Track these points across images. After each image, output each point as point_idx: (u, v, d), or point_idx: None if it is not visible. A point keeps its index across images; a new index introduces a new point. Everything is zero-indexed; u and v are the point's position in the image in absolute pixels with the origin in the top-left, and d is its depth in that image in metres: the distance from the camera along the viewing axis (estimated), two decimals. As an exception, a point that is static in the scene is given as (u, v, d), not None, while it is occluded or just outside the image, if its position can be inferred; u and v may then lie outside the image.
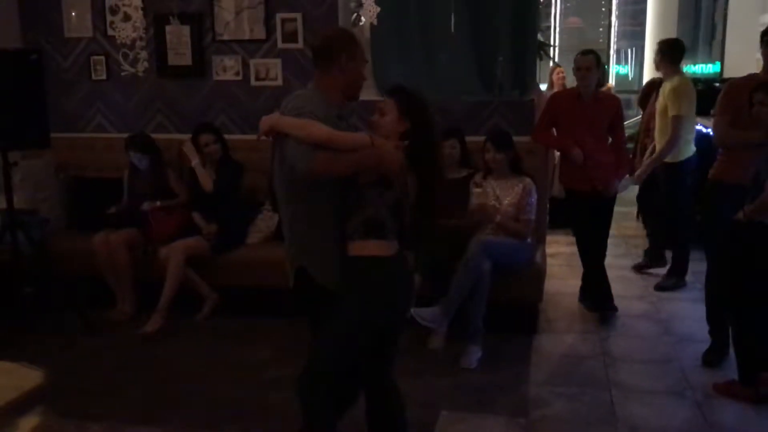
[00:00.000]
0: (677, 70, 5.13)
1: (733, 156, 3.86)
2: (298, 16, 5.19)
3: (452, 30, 5.33)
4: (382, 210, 2.51)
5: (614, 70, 13.77)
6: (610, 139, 4.69)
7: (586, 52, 4.61)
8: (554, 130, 4.73)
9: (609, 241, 4.87)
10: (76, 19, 5.51)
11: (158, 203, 4.90)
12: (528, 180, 4.35)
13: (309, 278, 2.60)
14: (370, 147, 2.48)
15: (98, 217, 4.91)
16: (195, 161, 4.85)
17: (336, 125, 2.52)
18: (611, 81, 10.02)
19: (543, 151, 4.90)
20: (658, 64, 5.21)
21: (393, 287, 2.58)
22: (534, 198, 4.33)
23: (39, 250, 4.68)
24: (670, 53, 5.12)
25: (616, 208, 4.85)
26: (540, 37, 7.07)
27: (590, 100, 4.56)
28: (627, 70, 14.84)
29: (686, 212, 5.27)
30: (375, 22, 4.21)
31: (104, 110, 5.64)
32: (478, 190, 4.28)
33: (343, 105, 2.68)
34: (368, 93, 4.38)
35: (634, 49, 14.55)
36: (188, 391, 3.74)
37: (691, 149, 5.19)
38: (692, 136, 5.17)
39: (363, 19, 4.25)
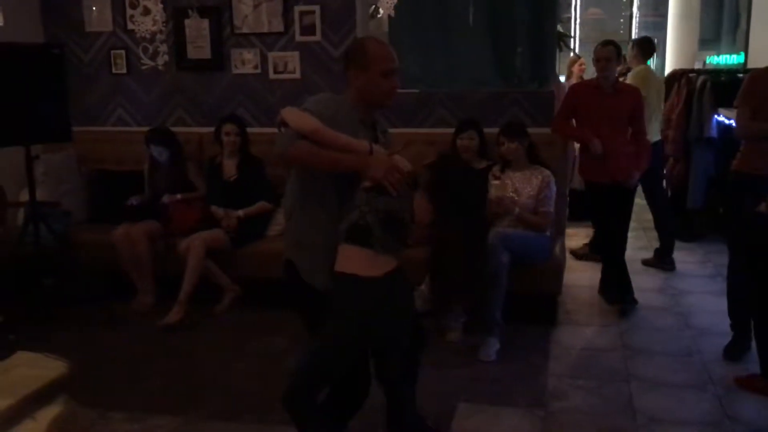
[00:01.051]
0: (644, 63, 5.76)
1: (756, 147, 3.80)
2: (317, 8, 5.18)
3: (471, 21, 5.29)
4: (369, 216, 2.42)
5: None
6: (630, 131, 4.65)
7: (606, 43, 4.59)
8: (573, 121, 4.71)
9: (629, 233, 4.83)
10: (97, 14, 5.56)
11: (178, 196, 4.95)
12: (547, 172, 4.33)
13: (296, 272, 2.58)
14: (365, 154, 2.44)
15: (119, 209, 4.96)
16: (240, 213, 4.82)
17: (355, 128, 2.51)
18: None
19: (562, 143, 4.87)
20: (633, 58, 5.82)
21: (375, 314, 2.44)
22: (553, 190, 4.31)
23: (61, 242, 4.73)
24: (644, 50, 5.77)
25: (637, 200, 4.81)
26: (560, 27, 7.02)
27: (610, 92, 4.53)
28: (648, 61, 14.66)
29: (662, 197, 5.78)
30: (393, 14, 4.21)
31: (125, 104, 5.68)
32: (496, 182, 4.27)
33: (369, 111, 2.62)
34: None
35: (656, 40, 14.36)
36: (208, 382, 3.78)
37: (656, 136, 5.47)
38: (657, 124, 5.56)
39: (381, 11, 4.26)
